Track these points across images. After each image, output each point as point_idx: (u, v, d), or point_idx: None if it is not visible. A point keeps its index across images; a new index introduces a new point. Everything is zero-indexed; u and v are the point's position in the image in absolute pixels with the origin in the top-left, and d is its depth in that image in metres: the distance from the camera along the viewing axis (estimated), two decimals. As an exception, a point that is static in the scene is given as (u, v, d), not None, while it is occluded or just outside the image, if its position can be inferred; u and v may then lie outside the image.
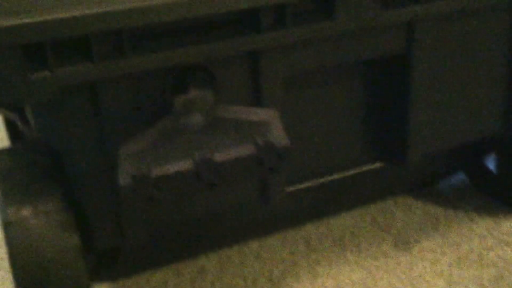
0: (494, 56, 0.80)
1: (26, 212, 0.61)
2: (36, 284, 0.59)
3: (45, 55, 0.56)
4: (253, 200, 0.78)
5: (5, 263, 0.89)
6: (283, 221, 0.94)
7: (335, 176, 0.84)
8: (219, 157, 0.57)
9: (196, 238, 0.91)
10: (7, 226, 0.60)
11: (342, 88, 0.78)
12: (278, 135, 0.58)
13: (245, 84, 0.68)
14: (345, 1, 0.67)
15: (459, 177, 1.01)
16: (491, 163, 0.97)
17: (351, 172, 0.85)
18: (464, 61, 0.79)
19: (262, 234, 0.92)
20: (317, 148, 0.81)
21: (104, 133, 0.62)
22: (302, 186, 0.83)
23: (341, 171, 0.84)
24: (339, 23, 0.68)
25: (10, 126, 0.90)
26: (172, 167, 0.56)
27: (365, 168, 0.85)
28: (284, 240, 0.91)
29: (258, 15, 0.64)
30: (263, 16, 0.64)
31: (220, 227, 0.86)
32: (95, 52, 0.58)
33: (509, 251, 0.86)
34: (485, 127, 0.84)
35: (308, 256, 0.88)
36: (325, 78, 0.76)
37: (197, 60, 0.63)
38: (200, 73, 0.65)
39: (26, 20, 0.54)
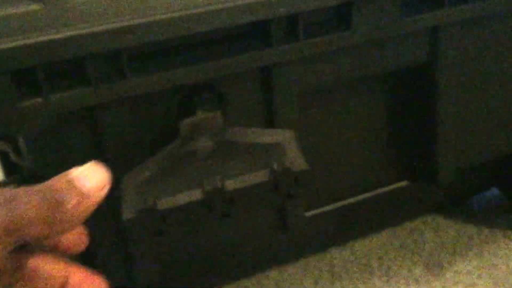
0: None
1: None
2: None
3: (36, 80, 0.52)
4: (271, 227, 0.73)
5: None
6: (305, 248, 0.89)
7: (358, 198, 0.80)
8: (231, 185, 0.51)
9: (210, 269, 0.85)
10: None
11: (362, 103, 0.73)
12: (295, 158, 0.53)
13: (257, 102, 0.64)
14: (363, 9, 0.62)
15: (493, 193, 0.96)
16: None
17: (376, 192, 0.80)
18: (493, 68, 0.74)
19: (282, 262, 0.87)
20: (338, 169, 0.76)
21: (106, 163, 0.57)
22: (323, 210, 0.79)
23: (365, 192, 0.80)
24: (357, 33, 0.63)
25: (3, 158, 0.86)
26: (180, 198, 0.51)
27: (390, 187, 0.81)
28: (306, 268, 0.86)
29: (268, 28, 0.59)
30: (273, 29, 0.59)
31: (236, 256, 0.81)
32: (91, 74, 0.53)
33: (551, 271, 0.80)
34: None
35: (332, 284, 0.82)
36: (344, 93, 0.71)
37: (203, 79, 0.58)
38: (207, 93, 0.60)
39: (15, 43, 0.49)
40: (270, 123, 0.65)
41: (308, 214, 0.77)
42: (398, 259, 0.86)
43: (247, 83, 0.62)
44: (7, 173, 0.88)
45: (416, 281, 0.82)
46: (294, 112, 0.65)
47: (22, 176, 0.65)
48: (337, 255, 0.88)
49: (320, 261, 0.87)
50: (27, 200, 0.31)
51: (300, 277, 0.84)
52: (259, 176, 0.51)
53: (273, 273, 0.85)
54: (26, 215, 0.31)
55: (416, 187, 0.83)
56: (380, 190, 0.80)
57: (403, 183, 0.80)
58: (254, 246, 0.80)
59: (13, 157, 0.62)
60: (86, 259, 0.62)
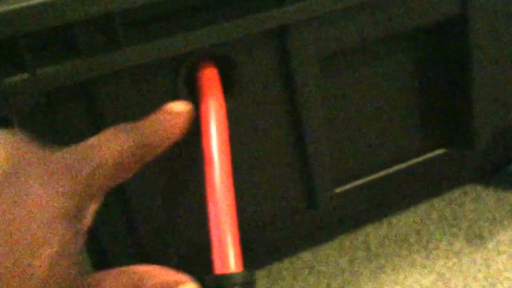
0: None
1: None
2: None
3: (20, 53, 0.44)
4: (298, 206, 0.65)
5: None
6: (338, 226, 0.81)
7: (391, 170, 0.73)
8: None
9: (242, 254, 0.78)
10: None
11: (389, 66, 0.65)
12: None
13: (272, 69, 0.56)
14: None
15: (534, 156, 0.86)
16: None
17: (410, 163, 0.73)
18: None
19: (315, 243, 0.80)
20: (366, 139, 0.69)
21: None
22: (353, 184, 0.72)
23: (398, 163, 0.72)
24: (379, -15, 0.54)
25: None
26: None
27: (425, 157, 0.73)
28: (340, 248, 0.79)
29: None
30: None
31: (266, 239, 0.74)
32: (82, 44, 0.46)
33: None
34: None
35: (369, 262, 0.75)
36: (369, 54, 0.64)
37: (209, 45, 0.50)
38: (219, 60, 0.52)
39: (-8, 11, 0.42)
40: (288, 92, 0.57)
41: (339, 190, 0.70)
42: (437, 232, 0.78)
43: (259, 48, 0.54)
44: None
45: (457, 254, 0.74)
46: (314, 78, 0.57)
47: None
48: (373, 232, 0.80)
49: (354, 239, 0.80)
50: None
51: (335, 257, 0.78)
52: None
53: (306, 255, 0.79)
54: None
55: (454, 154, 0.76)
56: (415, 160, 0.73)
57: (439, 151, 0.72)
58: (284, 227, 0.73)
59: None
60: (98, 260, 0.55)
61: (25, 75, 0.45)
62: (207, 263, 0.52)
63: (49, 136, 0.52)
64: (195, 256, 0.62)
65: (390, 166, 0.71)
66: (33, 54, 0.45)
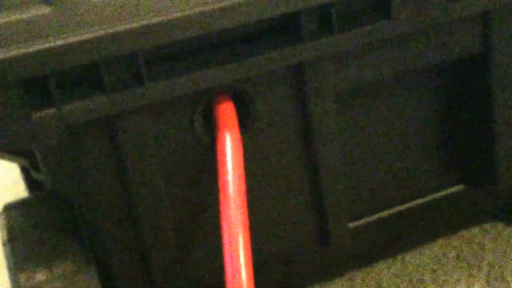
0: None
1: (41, 276, 0.58)
2: None
3: (48, 89, 0.53)
4: (311, 241, 0.73)
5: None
6: (349, 262, 0.88)
7: (407, 205, 0.80)
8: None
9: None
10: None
11: (408, 100, 0.73)
12: None
13: (289, 105, 0.64)
14: (405, -6, 0.63)
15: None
16: None
17: (427, 198, 0.80)
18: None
19: (325, 279, 0.87)
20: (384, 174, 0.77)
21: (127, 176, 0.59)
22: (368, 220, 0.79)
23: (414, 199, 0.80)
24: (398, 22, 0.63)
25: (26, 174, 0.88)
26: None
27: (443, 193, 0.81)
28: (351, 285, 0.86)
29: (298, 21, 0.60)
30: (304, 22, 0.60)
31: (274, 275, 0.81)
32: (107, 81, 0.55)
33: None
34: None
35: (382, 302, 0.82)
36: (387, 90, 0.71)
37: (229, 81, 0.59)
38: (237, 96, 0.61)
39: (24, 50, 0.51)
40: (304, 127, 0.66)
41: (352, 225, 0.77)
42: (454, 272, 0.85)
43: (276, 84, 0.63)
44: (31, 189, 0.91)
45: (476, 296, 0.81)
46: (330, 114, 0.66)
47: (44, 192, 0.67)
48: (385, 270, 0.87)
49: (367, 277, 0.87)
50: None
51: (345, 295, 0.85)
52: None
53: (315, 291, 0.85)
54: None
55: (473, 191, 0.83)
56: (432, 196, 0.80)
57: (459, 187, 0.79)
58: (294, 262, 0.81)
59: (32, 173, 0.64)
60: (105, 279, 0.64)
61: (52, 110, 0.54)
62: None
63: (71, 169, 0.61)
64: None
65: (406, 202, 0.79)
66: (60, 90, 0.54)
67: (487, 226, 0.91)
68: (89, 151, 0.58)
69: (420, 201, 0.80)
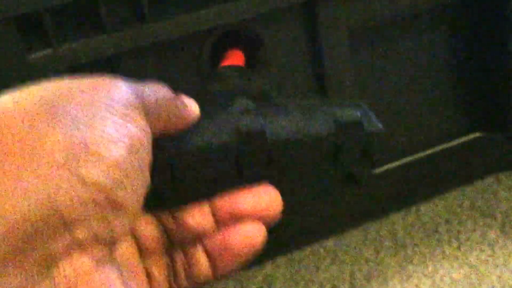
0: None
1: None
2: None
3: (44, 28, 0.48)
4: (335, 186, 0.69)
5: None
6: (363, 214, 0.84)
7: (422, 154, 0.75)
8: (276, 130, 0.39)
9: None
10: None
11: (423, 42, 0.68)
12: (368, 118, 0.44)
13: (301, 43, 0.59)
14: None
15: None
16: None
17: (442, 147, 0.76)
18: None
19: (338, 231, 0.83)
20: (398, 120, 0.72)
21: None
22: (382, 169, 0.74)
23: (429, 147, 0.75)
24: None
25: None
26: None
27: (458, 141, 0.76)
28: (365, 237, 0.82)
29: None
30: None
31: (287, 226, 0.76)
32: (107, 19, 0.49)
33: None
34: None
35: (396, 253, 0.78)
36: (401, 30, 0.66)
37: (238, 19, 0.53)
38: (245, 36, 0.55)
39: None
40: (317, 66, 0.60)
41: (377, 171, 0.74)
42: (469, 222, 0.81)
43: (286, 23, 0.58)
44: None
45: (491, 246, 0.77)
46: (344, 54, 0.60)
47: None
48: (400, 221, 0.83)
49: (381, 228, 0.83)
50: None
51: (360, 246, 0.81)
52: (316, 128, 0.38)
53: (330, 244, 0.82)
54: None
55: (489, 139, 0.79)
56: (447, 144, 0.76)
57: (474, 135, 0.75)
58: (306, 213, 0.76)
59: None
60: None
61: (49, 51, 0.49)
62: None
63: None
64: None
65: (422, 150, 0.75)
66: (58, 30, 0.49)
67: (502, 176, 0.87)
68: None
69: (436, 149, 0.76)
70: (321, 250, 0.81)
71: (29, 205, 0.23)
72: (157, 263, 0.32)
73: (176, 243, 0.32)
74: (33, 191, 0.24)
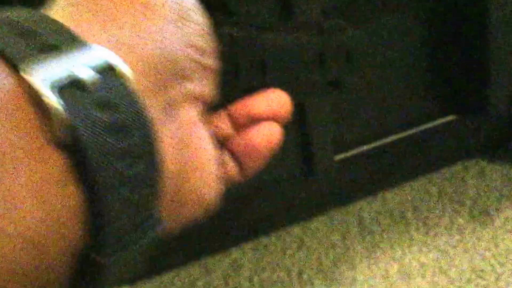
0: None
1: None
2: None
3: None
4: (297, 173, 0.67)
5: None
6: (329, 200, 0.82)
7: (394, 137, 0.74)
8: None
9: (226, 227, 0.79)
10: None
11: (398, 22, 0.66)
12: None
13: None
14: None
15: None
16: None
17: (414, 130, 0.74)
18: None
19: (304, 216, 0.81)
20: (370, 103, 0.69)
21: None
22: (354, 152, 0.72)
23: (403, 130, 0.73)
24: None
25: None
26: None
27: (432, 124, 0.74)
28: (332, 223, 0.80)
29: None
30: None
31: (253, 212, 0.75)
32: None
33: None
34: None
35: (363, 238, 0.76)
36: (376, 9, 0.64)
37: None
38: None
39: None
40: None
41: (338, 157, 0.71)
42: (437, 208, 0.79)
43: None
44: None
45: (461, 231, 0.75)
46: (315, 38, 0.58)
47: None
48: (366, 207, 0.82)
49: (347, 214, 0.81)
50: None
51: (326, 232, 0.79)
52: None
53: (296, 230, 0.80)
54: None
55: (463, 122, 0.77)
56: (421, 127, 0.74)
57: (449, 118, 0.74)
58: (272, 199, 0.74)
59: None
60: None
61: None
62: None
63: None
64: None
65: (391, 134, 0.73)
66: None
67: (470, 163, 0.85)
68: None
69: (407, 132, 0.74)
70: (288, 236, 0.79)
71: (159, 52, 0.25)
72: None
73: None
74: (160, 41, 0.25)
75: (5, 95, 0.21)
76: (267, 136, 0.33)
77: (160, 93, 0.25)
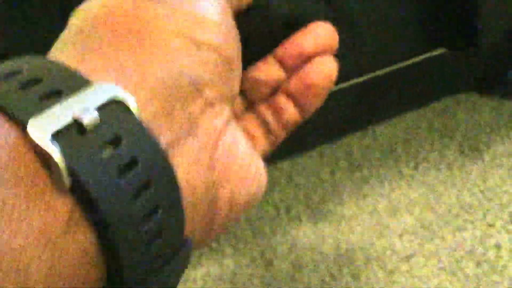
0: None
1: None
2: None
3: None
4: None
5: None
6: (317, 135, 0.80)
7: (384, 71, 0.71)
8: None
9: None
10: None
11: None
12: None
13: None
14: None
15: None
16: None
17: (404, 64, 0.72)
18: None
19: (293, 152, 0.80)
20: (356, 37, 0.67)
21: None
22: (340, 86, 0.70)
23: (390, 63, 0.71)
24: None
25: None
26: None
27: (421, 58, 0.72)
28: (320, 158, 0.79)
29: None
30: None
31: None
32: None
33: None
34: None
35: (352, 174, 0.75)
36: None
37: None
38: None
39: None
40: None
41: None
42: (427, 143, 0.78)
43: None
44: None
45: (449, 166, 0.74)
46: None
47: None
48: (356, 143, 0.80)
49: (336, 150, 0.80)
50: None
51: (315, 168, 0.77)
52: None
53: (285, 166, 0.78)
54: None
55: (452, 56, 0.75)
56: (409, 62, 0.72)
57: (438, 51, 0.71)
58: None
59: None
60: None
61: None
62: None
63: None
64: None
65: (381, 67, 0.72)
66: None
67: (460, 97, 0.83)
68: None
69: (396, 66, 0.72)
70: (276, 172, 0.77)
71: (165, 73, 0.25)
72: (250, 123, 0.34)
73: (257, 101, 0.33)
74: (164, 61, 0.25)
75: (6, 150, 0.21)
76: (324, 72, 0.33)
77: (174, 114, 0.25)
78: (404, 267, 0.65)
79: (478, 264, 0.64)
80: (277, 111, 0.32)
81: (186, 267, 0.26)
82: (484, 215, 0.68)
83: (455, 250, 0.66)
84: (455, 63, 0.78)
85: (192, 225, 0.25)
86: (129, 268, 0.22)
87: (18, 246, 0.20)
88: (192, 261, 0.69)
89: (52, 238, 0.21)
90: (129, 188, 0.22)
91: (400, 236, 0.68)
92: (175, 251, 0.24)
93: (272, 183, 0.76)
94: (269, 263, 0.68)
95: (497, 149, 0.75)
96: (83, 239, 0.21)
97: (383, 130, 0.81)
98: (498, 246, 0.65)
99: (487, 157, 0.74)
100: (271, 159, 0.78)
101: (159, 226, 0.23)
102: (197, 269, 0.68)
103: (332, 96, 0.70)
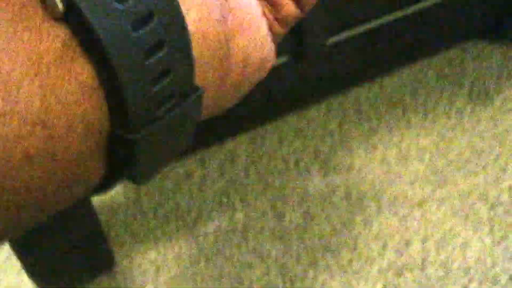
0: None
1: None
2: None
3: None
4: (288, 59, 0.63)
5: None
6: (325, 87, 0.79)
7: (386, 19, 0.69)
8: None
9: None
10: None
11: None
12: None
13: None
14: None
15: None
16: None
17: (409, 10, 0.69)
18: None
19: (300, 105, 0.78)
20: None
21: None
22: (345, 35, 0.68)
23: (396, 10, 0.69)
24: None
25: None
26: None
27: (426, 3, 0.70)
28: (328, 110, 0.77)
29: None
30: None
31: (247, 101, 0.71)
32: None
33: None
34: None
35: (360, 125, 0.74)
36: None
37: None
38: None
39: None
40: None
41: (329, 41, 0.66)
42: (435, 91, 0.76)
43: None
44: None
45: (459, 112, 0.73)
46: None
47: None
48: (364, 93, 0.78)
49: (344, 101, 0.78)
50: None
51: (323, 120, 0.76)
52: None
53: (293, 119, 0.77)
54: None
55: (457, 2, 0.73)
56: (415, 8, 0.69)
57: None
58: (265, 87, 0.71)
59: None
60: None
61: None
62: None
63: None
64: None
65: (387, 14, 0.70)
66: None
67: (468, 45, 0.81)
68: None
69: (401, 13, 0.70)
70: (284, 125, 0.76)
71: None
72: None
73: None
74: None
75: None
76: None
77: None
78: (416, 213, 0.64)
79: (491, 207, 0.63)
80: (275, 7, 0.31)
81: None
82: (496, 159, 0.67)
83: (468, 195, 0.65)
84: (461, 9, 0.76)
85: (204, 76, 0.24)
86: (133, 106, 0.20)
87: (6, 67, 0.18)
88: (202, 217, 0.68)
89: (42, 65, 0.19)
90: (129, 17, 0.20)
91: (412, 183, 0.67)
92: (184, 95, 0.22)
93: (280, 137, 0.74)
94: (280, 216, 0.67)
95: (507, 93, 0.73)
96: (79, 71, 0.19)
97: (391, 80, 0.79)
98: (511, 189, 0.64)
99: (496, 102, 0.73)
100: (278, 113, 0.76)
101: (165, 64, 0.21)
102: (208, 224, 0.67)
103: (338, 47, 0.69)
